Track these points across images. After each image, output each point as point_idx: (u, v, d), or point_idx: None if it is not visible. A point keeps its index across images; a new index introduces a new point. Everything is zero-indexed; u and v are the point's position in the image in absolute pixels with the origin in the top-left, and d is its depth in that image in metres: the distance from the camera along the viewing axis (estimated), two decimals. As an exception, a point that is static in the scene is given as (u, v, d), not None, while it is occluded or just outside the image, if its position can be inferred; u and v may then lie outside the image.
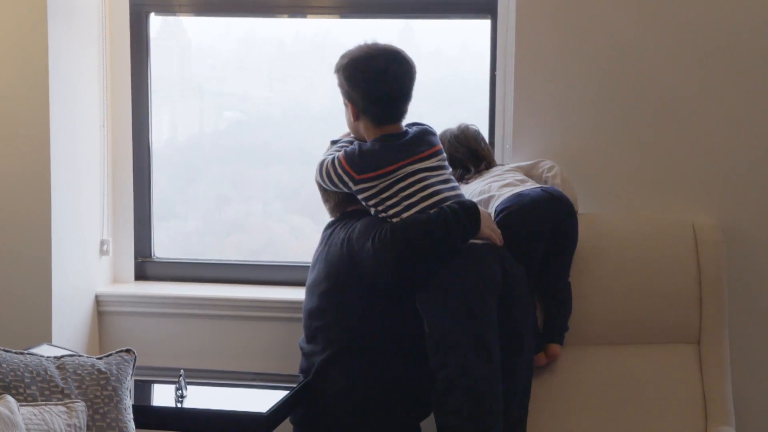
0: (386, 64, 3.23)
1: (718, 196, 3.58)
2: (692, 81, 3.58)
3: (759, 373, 3.62)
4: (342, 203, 3.40)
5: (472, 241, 3.18)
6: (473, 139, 3.58)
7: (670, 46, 3.58)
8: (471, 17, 3.99)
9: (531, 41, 3.63)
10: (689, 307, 3.40)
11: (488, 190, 3.36)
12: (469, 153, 3.55)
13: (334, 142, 3.42)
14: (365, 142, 3.30)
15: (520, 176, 3.43)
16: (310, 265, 3.44)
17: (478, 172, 3.51)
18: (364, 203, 3.26)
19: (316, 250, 3.44)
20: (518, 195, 3.28)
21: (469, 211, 3.16)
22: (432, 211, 3.15)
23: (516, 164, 3.52)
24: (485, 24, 3.92)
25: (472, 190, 3.41)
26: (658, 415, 3.33)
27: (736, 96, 3.56)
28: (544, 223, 3.26)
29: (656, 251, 3.42)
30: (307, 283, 3.43)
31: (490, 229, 3.21)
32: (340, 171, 3.23)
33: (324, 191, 3.42)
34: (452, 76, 4.20)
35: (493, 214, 3.28)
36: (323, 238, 3.41)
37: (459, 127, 3.60)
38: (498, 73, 3.81)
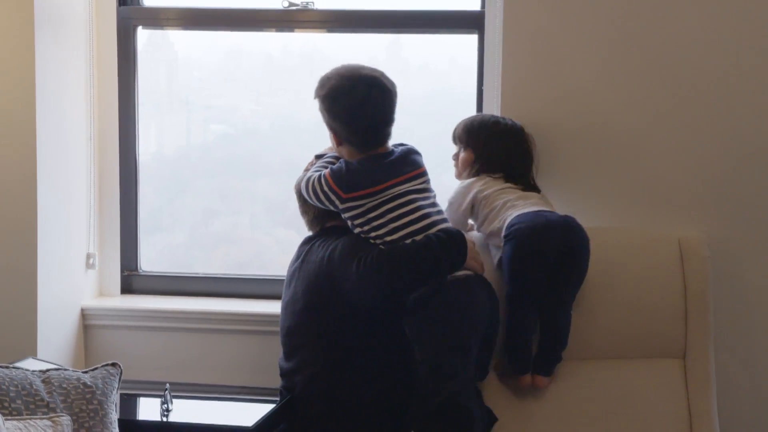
0: (365, 94, 3.20)
1: (704, 211, 3.59)
2: (678, 95, 3.59)
3: (744, 389, 3.63)
4: (321, 217, 3.40)
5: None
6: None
7: (657, 60, 3.59)
8: (458, 32, 4.00)
9: (517, 56, 3.63)
10: (675, 321, 3.41)
11: (511, 204, 3.35)
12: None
13: (318, 157, 3.41)
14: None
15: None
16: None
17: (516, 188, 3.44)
18: (349, 222, 3.25)
19: (291, 265, 3.43)
20: (536, 214, 3.26)
21: (457, 241, 3.15)
22: (419, 240, 3.14)
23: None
24: (473, 38, 3.92)
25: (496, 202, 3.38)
26: (642, 430, 3.33)
27: (722, 111, 3.57)
28: (551, 249, 3.23)
29: (642, 266, 3.42)
30: (284, 299, 3.43)
31: (474, 260, 3.22)
32: (326, 189, 3.21)
33: (304, 203, 3.41)
34: (440, 90, 4.20)
35: (506, 224, 3.28)
36: (299, 253, 3.40)
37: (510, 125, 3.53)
38: (485, 87, 3.82)
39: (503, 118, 3.54)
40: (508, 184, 3.41)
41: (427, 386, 3.12)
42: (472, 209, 3.42)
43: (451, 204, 3.45)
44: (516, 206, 3.32)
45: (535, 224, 3.22)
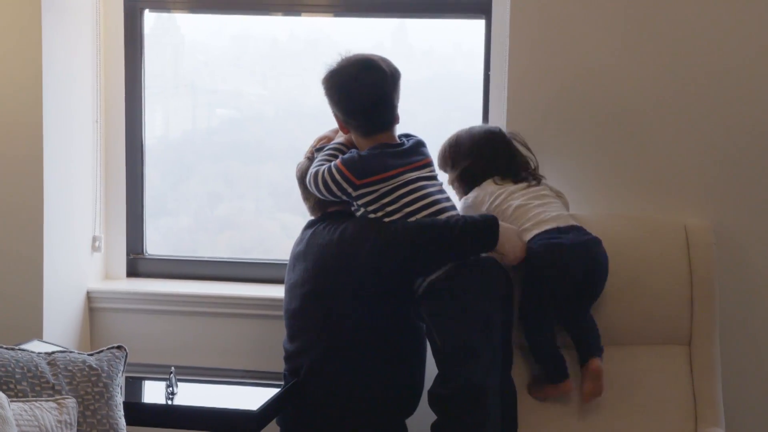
0: (355, 75, 3.24)
1: (710, 198, 3.58)
2: (686, 83, 3.58)
3: (749, 375, 3.63)
4: (322, 203, 3.39)
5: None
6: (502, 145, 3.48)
7: (664, 48, 3.58)
8: (465, 17, 3.98)
9: (525, 42, 3.62)
10: (680, 308, 3.41)
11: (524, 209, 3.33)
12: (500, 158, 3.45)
13: (318, 150, 3.40)
14: (354, 149, 3.31)
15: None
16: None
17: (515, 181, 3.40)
18: (363, 209, 3.25)
19: (294, 248, 3.43)
20: (552, 239, 3.23)
21: (490, 225, 3.18)
22: (443, 218, 3.17)
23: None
24: (478, 24, 3.91)
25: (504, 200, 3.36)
26: (648, 416, 3.33)
27: (729, 97, 3.56)
28: (570, 279, 3.23)
29: (648, 253, 3.42)
30: (287, 282, 3.43)
31: (518, 250, 3.23)
32: (338, 177, 3.21)
33: (305, 189, 3.41)
34: (445, 76, 4.19)
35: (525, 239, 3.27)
36: (303, 236, 3.40)
37: (487, 129, 3.50)
38: (492, 73, 3.81)
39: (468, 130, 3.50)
40: (508, 184, 3.38)
41: (449, 368, 3.16)
42: None
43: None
44: (531, 212, 3.29)
45: (554, 255, 3.20)
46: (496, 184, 3.38)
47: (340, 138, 3.39)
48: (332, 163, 3.25)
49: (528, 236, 3.26)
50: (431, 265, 3.19)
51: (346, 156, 3.26)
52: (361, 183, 3.21)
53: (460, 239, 3.15)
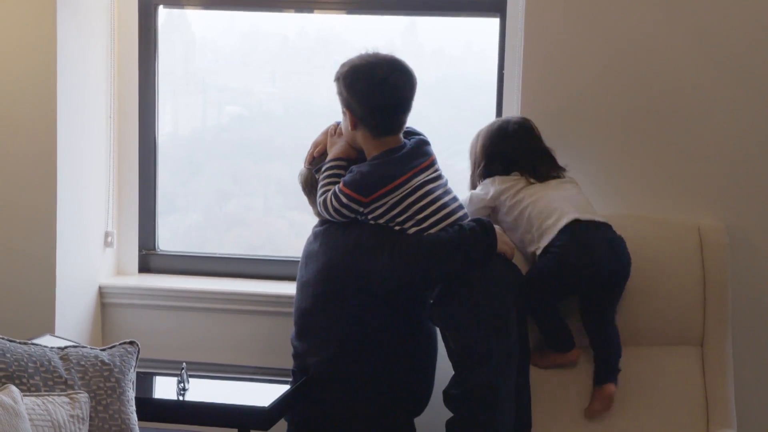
0: (387, 74, 3.21)
1: (724, 199, 3.59)
2: (700, 84, 3.58)
3: (761, 376, 3.63)
4: None
5: None
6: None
7: (678, 48, 3.58)
8: (480, 15, 3.98)
9: (540, 41, 3.62)
10: (693, 309, 3.41)
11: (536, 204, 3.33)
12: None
13: (317, 170, 3.37)
14: (353, 162, 3.28)
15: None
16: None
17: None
18: (372, 222, 3.24)
19: (308, 246, 3.42)
20: (577, 236, 3.23)
21: (487, 230, 3.19)
22: (452, 230, 3.17)
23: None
24: (490, 23, 3.92)
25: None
26: (660, 417, 3.34)
27: (743, 99, 3.57)
28: (593, 279, 3.24)
29: (661, 253, 3.42)
30: (299, 279, 3.42)
31: (505, 244, 3.25)
32: (346, 201, 3.20)
33: (309, 194, 3.43)
34: (455, 75, 4.19)
35: (545, 235, 3.27)
36: (316, 234, 3.39)
37: (499, 125, 3.48)
38: (506, 72, 3.80)
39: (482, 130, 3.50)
40: (521, 179, 3.39)
41: (463, 370, 3.18)
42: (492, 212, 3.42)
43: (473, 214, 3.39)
44: (551, 205, 3.29)
45: (579, 255, 3.21)
46: (504, 182, 3.39)
47: (337, 149, 3.35)
48: (336, 188, 3.23)
49: (551, 232, 3.25)
50: (439, 276, 3.21)
51: (347, 178, 3.23)
52: (369, 200, 3.20)
53: (465, 253, 3.16)
